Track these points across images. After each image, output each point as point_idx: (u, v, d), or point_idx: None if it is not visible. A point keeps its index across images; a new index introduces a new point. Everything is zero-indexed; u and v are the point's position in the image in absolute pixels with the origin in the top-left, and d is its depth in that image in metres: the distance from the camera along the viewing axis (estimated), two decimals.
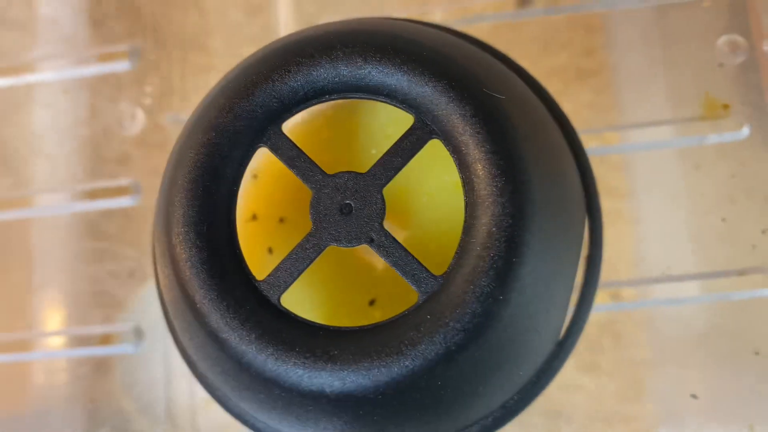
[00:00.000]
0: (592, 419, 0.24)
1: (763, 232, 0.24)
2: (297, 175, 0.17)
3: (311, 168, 0.17)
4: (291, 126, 0.24)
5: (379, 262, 0.22)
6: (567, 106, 0.21)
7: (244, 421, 0.19)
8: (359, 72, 0.17)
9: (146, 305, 0.27)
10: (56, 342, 0.27)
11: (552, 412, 0.24)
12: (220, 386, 0.18)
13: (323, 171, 0.17)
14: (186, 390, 0.26)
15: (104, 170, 0.28)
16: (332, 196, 0.17)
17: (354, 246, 0.17)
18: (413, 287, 0.16)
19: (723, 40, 0.26)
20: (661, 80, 0.26)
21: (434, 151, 0.21)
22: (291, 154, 0.17)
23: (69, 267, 0.27)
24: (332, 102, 0.24)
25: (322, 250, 0.17)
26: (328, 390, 0.16)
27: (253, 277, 0.17)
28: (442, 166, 0.21)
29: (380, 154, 0.17)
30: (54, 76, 0.29)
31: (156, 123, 0.28)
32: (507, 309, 0.16)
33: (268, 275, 0.17)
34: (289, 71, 0.17)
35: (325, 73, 0.17)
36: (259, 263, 0.21)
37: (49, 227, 0.28)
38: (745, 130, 0.25)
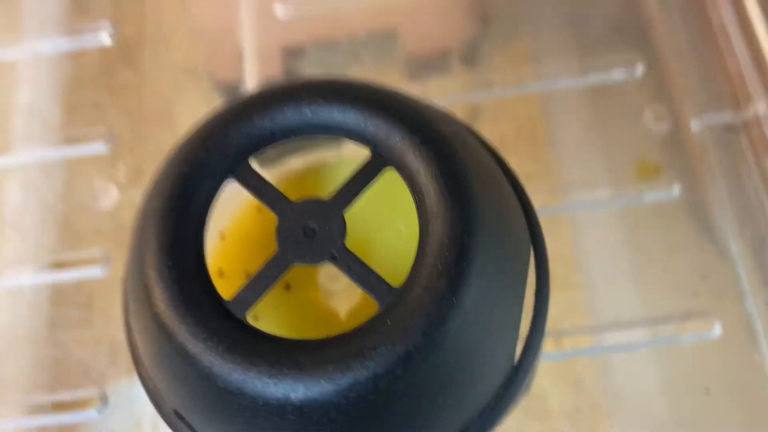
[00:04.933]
0: None
1: (702, 278, 0.26)
2: (263, 202, 0.18)
3: (277, 196, 0.19)
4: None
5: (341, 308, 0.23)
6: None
7: None
8: (320, 112, 0.19)
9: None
10: (21, 410, 0.26)
11: None
12: (187, 412, 0.18)
13: (288, 199, 0.19)
14: None
15: (77, 243, 0.29)
16: (297, 221, 0.18)
17: (317, 263, 0.18)
18: (374, 299, 0.17)
19: (649, 111, 0.29)
20: (599, 149, 0.29)
21: (392, 203, 0.23)
22: (258, 185, 0.19)
23: (36, 334, 0.27)
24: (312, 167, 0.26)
25: (287, 268, 0.18)
26: (293, 396, 0.16)
27: (220, 297, 0.18)
28: (399, 217, 0.22)
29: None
30: (32, 156, 0.30)
31: (129, 199, 0.29)
32: (460, 313, 0.17)
33: (235, 294, 0.18)
34: (257, 112, 0.19)
35: (290, 114, 0.19)
36: None
37: (18, 297, 0.28)
38: (676, 189, 0.27)
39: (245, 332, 0.17)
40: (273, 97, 0.19)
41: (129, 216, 0.29)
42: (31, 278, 0.28)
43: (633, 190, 0.27)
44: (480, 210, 0.18)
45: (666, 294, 0.26)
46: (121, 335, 0.27)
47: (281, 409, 0.16)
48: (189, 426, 0.19)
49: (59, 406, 0.26)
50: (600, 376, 0.25)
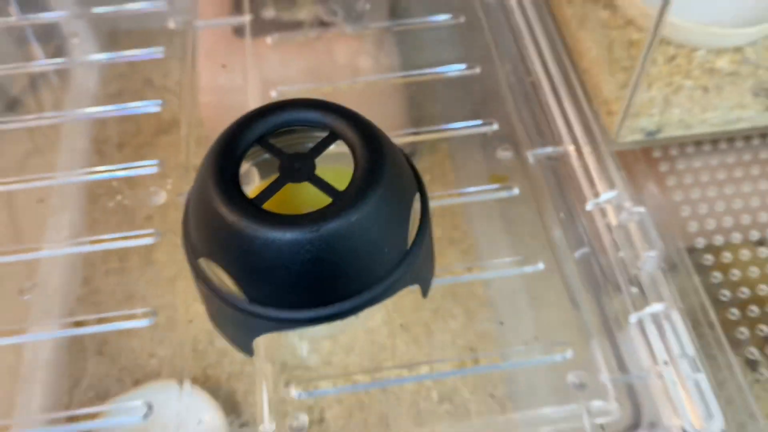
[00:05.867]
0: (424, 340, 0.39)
1: (531, 237, 0.43)
2: (272, 154, 0.35)
3: (280, 151, 0.35)
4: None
5: None
6: None
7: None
8: (302, 113, 0.36)
9: None
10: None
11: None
12: (222, 257, 0.33)
13: (285, 152, 0.35)
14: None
15: (136, 224, 0.45)
16: (289, 162, 0.35)
17: (301, 182, 0.34)
18: (328, 196, 0.34)
19: (500, 148, 0.47)
20: (472, 167, 0.46)
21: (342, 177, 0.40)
22: (271, 148, 0.35)
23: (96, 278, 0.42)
24: None
25: (285, 184, 0.34)
26: (288, 236, 0.32)
27: (247, 196, 0.34)
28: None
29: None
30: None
31: (173, 199, 0.45)
32: (373, 200, 0.33)
33: (256, 196, 0.34)
34: (269, 113, 0.36)
35: (286, 115, 0.36)
36: None
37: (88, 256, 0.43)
38: (516, 190, 0.45)
39: (262, 211, 0.33)
40: (276, 106, 0.37)
41: (173, 210, 0.45)
42: (101, 245, 0.43)
43: (490, 191, 0.45)
44: (387, 159, 0.35)
45: (511, 244, 0.43)
46: (166, 276, 0.43)
47: (280, 243, 0.32)
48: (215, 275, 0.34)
49: (113, 319, 0.41)
50: (486, 295, 0.41)
